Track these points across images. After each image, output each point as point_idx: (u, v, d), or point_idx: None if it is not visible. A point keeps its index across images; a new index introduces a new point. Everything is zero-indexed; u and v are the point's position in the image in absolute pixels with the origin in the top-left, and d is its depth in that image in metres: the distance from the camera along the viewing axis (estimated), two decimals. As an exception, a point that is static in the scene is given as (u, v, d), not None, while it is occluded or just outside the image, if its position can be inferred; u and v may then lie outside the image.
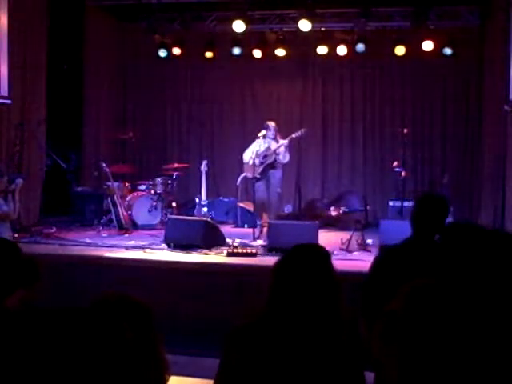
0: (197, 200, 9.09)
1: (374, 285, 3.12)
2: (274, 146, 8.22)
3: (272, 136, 8.21)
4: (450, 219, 8.60)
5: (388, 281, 2.98)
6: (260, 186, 8.19)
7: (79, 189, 9.46)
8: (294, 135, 8.19)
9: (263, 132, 8.42)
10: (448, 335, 1.18)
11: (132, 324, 1.50)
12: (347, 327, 2.16)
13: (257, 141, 8.44)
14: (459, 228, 2.73)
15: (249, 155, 8.43)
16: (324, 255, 2.26)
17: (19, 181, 6.56)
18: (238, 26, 9.27)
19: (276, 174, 8.30)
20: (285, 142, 8.15)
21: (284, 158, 8.19)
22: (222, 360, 2.13)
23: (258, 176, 8.15)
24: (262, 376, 2.00)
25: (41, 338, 1.09)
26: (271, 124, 8.27)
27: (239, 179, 9.16)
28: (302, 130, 8.28)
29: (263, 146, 8.28)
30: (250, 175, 8.59)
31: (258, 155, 8.22)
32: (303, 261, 2.18)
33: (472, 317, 1.20)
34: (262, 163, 8.22)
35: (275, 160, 8.22)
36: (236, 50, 10.06)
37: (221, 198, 10.14)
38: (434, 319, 1.20)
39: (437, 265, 3.01)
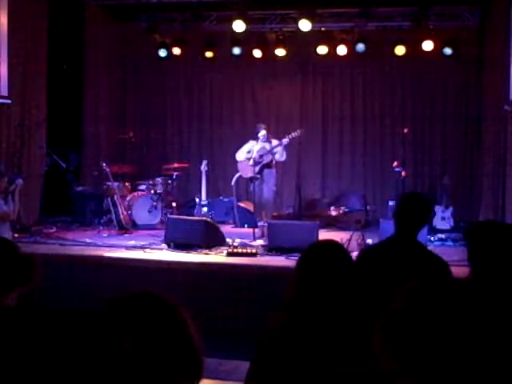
0: (197, 200, 9.09)
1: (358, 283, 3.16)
2: (268, 146, 8.39)
3: (265, 138, 8.43)
4: (450, 219, 8.51)
5: (369, 279, 3.00)
6: (256, 185, 8.26)
7: (79, 189, 9.46)
8: (292, 135, 8.34)
9: (263, 132, 8.51)
10: (449, 334, 1.18)
11: (151, 325, 1.49)
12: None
13: (250, 141, 8.59)
14: (488, 226, 2.75)
15: (242, 154, 8.55)
16: (345, 251, 2.32)
17: (19, 181, 6.57)
18: (238, 26, 9.27)
19: (271, 174, 8.47)
20: (284, 140, 8.29)
21: (281, 156, 8.41)
22: (253, 369, 2.15)
23: (254, 176, 8.20)
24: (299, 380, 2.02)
25: (37, 339, 1.09)
26: (263, 126, 8.50)
27: (234, 179, 9.18)
28: (298, 130, 8.45)
29: (257, 146, 8.44)
30: (244, 175, 8.66)
31: (253, 155, 8.33)
32: (327, 257, 2.22)
33: (476, 316, 1.20)
34: (258, 163, 8.31)
35: (271, 160, 8.36)
36: (236, 50, 10.05)
37: (221, 197, 10.14)
38: (436, 318, 1.20)
39: (418, 263, 3.04)
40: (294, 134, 8.42)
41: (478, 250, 2.59)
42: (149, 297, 1.59)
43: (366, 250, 3.43)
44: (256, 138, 8.62)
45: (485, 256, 2.51)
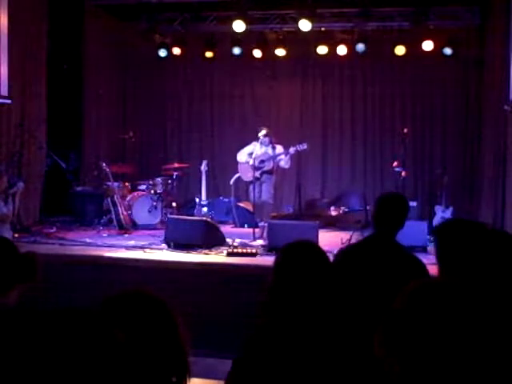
0: (197, 200, 9.09)
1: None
2: (270, 151, 8.29)
3: (267, 142, 8.32)
4: (450, 218, 8.46)
5: (347, 279, 3.00)
6: (255, 188, 8.20)
7: (79, 189, 9.46)
8: (298, 147, 8.22)
9: (263, 132, 8.45)
10: (450, 334, 1.18)
11: (143, 320, 1.51)
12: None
13: (253, 143, 8.52)
14: (457, 224, 2.73)
15: (244, 156, 8.50)
16: (320, 251, 2.31)
17: (20, 184, 6.58)
18: (238, 26, 9.27)
19: (271, 179, 8.39)
20: (292, 149, 8.19)
21: (286, 163, 8.34)
22: (233, 371, 2.15)
23: (254, 179, 8.16)
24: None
25: (29, 338, 1.09)
26: (265, 130, 8.34)
27: (233, 179, 9.17)
28: (305, 144, 8.29)
29: (259, 150, 8.33)
30: (244, 177, 8.63)
31: (254, 158, 8.26)
32: (302, 258, 2.21)
33: (473, 315, 1.20)
34: (259, 168, 8.25)
35: (273, 167, 8.29)
36: (236, 50, 10.05)
37: (221, 197, 10.14)
38: (436, 318, 1.20)
39: (396, 263, 3.04)
40: (300, 147, 8.30)
41: (445, 248, 2.57)
42: (139, 295, 1.61)
43: (342, 250, 3.43)
44: (260, 142, 8.46)
45: (453, 255, 2.49)
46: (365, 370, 1.99)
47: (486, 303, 1.24)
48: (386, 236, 3.19)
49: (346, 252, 3.38)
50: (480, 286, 2.09)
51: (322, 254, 2.29)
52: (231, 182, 9.24)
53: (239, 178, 8.95)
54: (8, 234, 6.16)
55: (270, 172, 8.34)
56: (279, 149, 8.34)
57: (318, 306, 2.11)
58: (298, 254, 2.25)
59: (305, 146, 8.24)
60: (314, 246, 2.36)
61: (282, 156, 8.25)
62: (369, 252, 3.18)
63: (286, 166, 8.40)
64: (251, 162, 8.35)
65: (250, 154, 8.46)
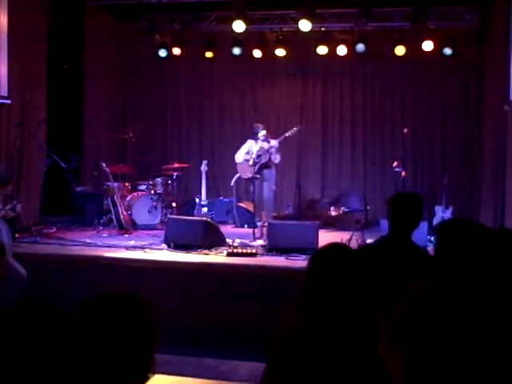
0: (197, 200, 9.09)
1: None
2: (266, 145, 8.42)
3: (264, 137, 8.46)
4: (449, 218, 8.46)
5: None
6: (256, 185, 8.28)
7: (79, 189, 9.46)
8: (286, 134, 8.43)
9: (263, 132, 8.54)
10: (453, 335, 1.18)
11: (118, 320, 1.51)
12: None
13: (248, 141, 8.63)
14: (457, 224, 2.73)
15: (241, 156, 8.58)
16: (354, 255, 2.31)
17: (18, 207, 6.59)
18: (238, 26, 9.27)
19: (270, 173, 8.51)
20: (275, 143, 8.39)
21: (275, 158, 8.46)
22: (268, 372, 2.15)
23: (253, 176, 8.22)
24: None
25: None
26: (260, 126, 8.53)
27: (233, 180, 9.18)
28: (295, 128, 8.51)
29: (255, 146, 8.47)
30: (244, 176, 8.68)
31: (251, 155, 8.36)
32: (338, 261, 2.22)
33: (476, 316, 1.20)
34: (256, 163, 8.34)
35: (269, 159, 8.40)
36: (236, 50, 10.05)
37: (221, 197, 10.14)
38: (439, 319, 1.20)
39: (412, 262, 3.04)
40: (289, 133, 8.50)
41: (445, 248, 2.57)
42: (112, 298, 1.61)
43: (362, 249, 3.42)
44: (255, 138, 8.63)
45: (452, 254, 2.49)
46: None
47: (486, 303, 1.24)
48: (402, 236, 3.19)
49: (362, 252, 3.36)
50: (480, 285, 2.09)
51: (355, 257, 2.28)
52: (232, 182, 9.25)
53: (240, 177, 8.97)
54: (7, 235, 6.12)
55: (268, 166, 8.44)
56: (273, 142, 8.50)
57: (350, 307, 2.12)
58: (333, 257, 2.24)
59: (292, 132, 8.44)
60: (347, 249, 2.35)
61: (273, 149, 8.40)
62: (386, 252, 3.17)
63: (275, 161, 8.54)
64: (251, 163, 8.41)
65: (248, 152, 8.55)
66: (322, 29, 9.85)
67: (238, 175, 8.96)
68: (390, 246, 3.19)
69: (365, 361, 2.01)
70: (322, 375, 2.03)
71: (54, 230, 8.35)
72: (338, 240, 7.43)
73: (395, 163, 8.80)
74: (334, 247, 2.34)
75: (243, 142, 8.94)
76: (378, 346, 1.24)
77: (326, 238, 7.66)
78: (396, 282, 2.98)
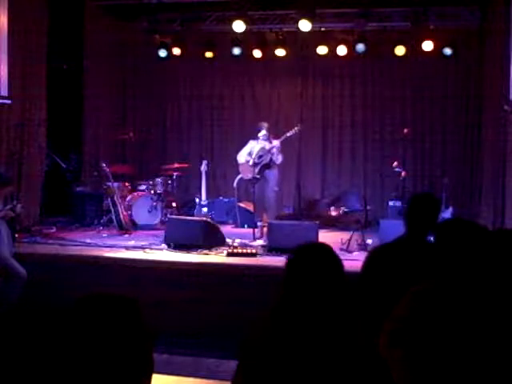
0: (197, 200, 9.09)
1: (367, 283, 3.14)
2: (268, 146, 8.41)
3: (265, 137, 8.46)
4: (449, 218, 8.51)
5: (380, 279, 3.00)
6: (258, 186, 8.28)
7: (79, 189, 9.45)
8: (288, 134, 8.43)
9: (263, 132, 8.54)
10: (452, 338, 1.19)
11: (110, 320, 1.51)
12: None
13: (250, 142, 8.63)
14: (457, 224, 2.73)
15: (243, 156, 8.58)
16: (334, 255, 2.28)
17: (19, 207, 6.58)
18: (238, 26, 9.27)
19: (272, 174, 8.50)
20: (277, 143, 8.37)
21: (277, 159, 8.44)
22: (238, 369, 2.14)
23: (256, 176, 8.22)
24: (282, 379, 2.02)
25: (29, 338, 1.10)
26: (265, 125, 8.53)
27: (235, 180, 9.18)
28: (296, 128, 8.53)
29: (257, 146, 8.46)
30: (246, 176, 8.68)
31: (253, 156, 8.36)
32: (315, 261, 2.19)
33: (475, 318, 1.20)
34: (257, 164, 8.34)
35: (271, 159, 8.40)
36: (236, 50, 10.05)
37: (221, 197, 10.14)
38: (438, 323, 1.21)
39: (429, 263, 3.03)
40: (290, 133, 8.51)
41: (445, 248, 2.57)
42: (102, 298, 1.61)
43: (375, 250, 3.40)
44: (256, 138, 8.64)
45: (452, 254, 2.49)
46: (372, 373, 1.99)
47: (486, 304, 1.24)
48: (419, 236, 3.19)
49: (379, 251, 3.35)
50: (480, 285, 2.09)
51: (334, 257, 2.26)
52: (234, 183, 9.25)
53: (241, 178, 8.97)
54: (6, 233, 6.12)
55: (269, 166, 8.43)
56: (275, 142, 8.50)
57: (327, 309, 2.10)
58: (310, 257, 2.23)
59: (293, 132, 8.44)
60: (326, 248, 2.33)
61: (274, 150, 8.39)
62: (403, 252, 3.16)
63: (277, 162, 8.52)
64: (251, 163, 8.41)
65: (250, 153, 8.54)
66: (322, 29, 9.86)
67: (239, 176, 8.96)
68: (407, 246, 3.19)
69: (336, 363, 1.99)
70: (291, 376, 2.01)
71: (54, 230, 8.36)
72: (338, 240, 7.46)
73: (395, 163, 8.80)
74: (316, 246, 2.31)
75: (243, 142, 8.94)
76: (353, 348, 1.24)
77: (325, 237, 7.67)
78: (413, 282, 2.97)
